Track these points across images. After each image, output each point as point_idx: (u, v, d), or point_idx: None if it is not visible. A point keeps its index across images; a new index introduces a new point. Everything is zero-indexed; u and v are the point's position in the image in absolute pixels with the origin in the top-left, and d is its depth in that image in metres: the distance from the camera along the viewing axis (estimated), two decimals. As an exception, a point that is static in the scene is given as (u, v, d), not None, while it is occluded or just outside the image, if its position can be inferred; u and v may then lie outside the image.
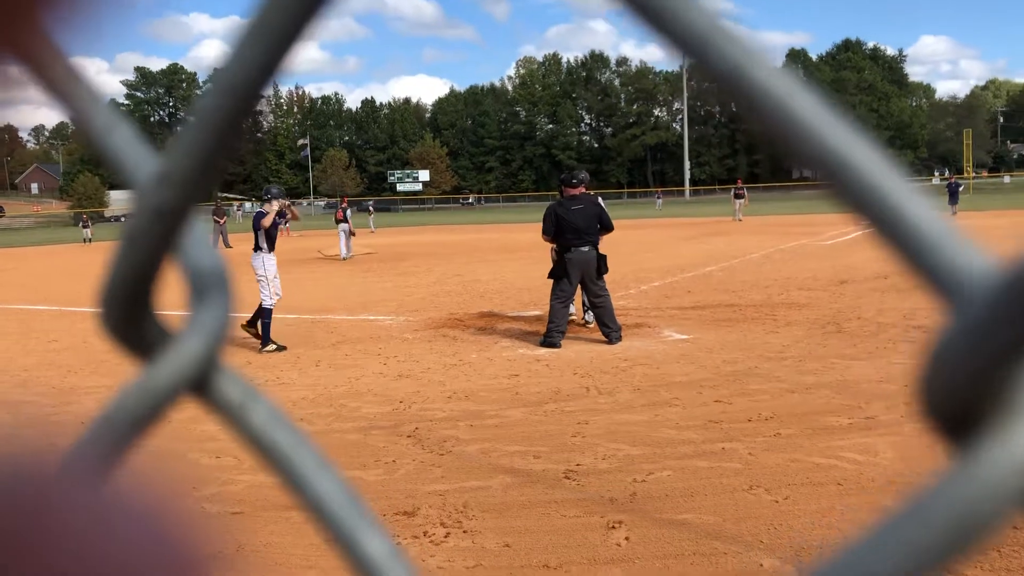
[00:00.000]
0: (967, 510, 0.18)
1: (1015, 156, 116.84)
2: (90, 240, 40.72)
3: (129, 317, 0.28)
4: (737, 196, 38.18)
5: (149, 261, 0.27)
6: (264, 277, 9.34)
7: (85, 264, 24.79)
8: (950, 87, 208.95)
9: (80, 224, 44.28)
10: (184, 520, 0.23)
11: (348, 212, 24.95)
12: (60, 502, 0.22)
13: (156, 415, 0.28)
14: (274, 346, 9.16)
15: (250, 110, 0.23)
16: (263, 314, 9.19)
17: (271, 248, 9.51)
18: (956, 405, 0.19)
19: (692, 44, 0.20)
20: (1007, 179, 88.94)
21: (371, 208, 46.50)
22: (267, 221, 9.55)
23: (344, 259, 23.28)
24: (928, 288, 0.19)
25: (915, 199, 0.19)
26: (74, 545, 0.21)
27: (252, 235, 9.61)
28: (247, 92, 0.22)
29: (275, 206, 9.69)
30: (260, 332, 9.21)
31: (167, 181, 0.25)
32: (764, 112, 0.19)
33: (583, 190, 9.04)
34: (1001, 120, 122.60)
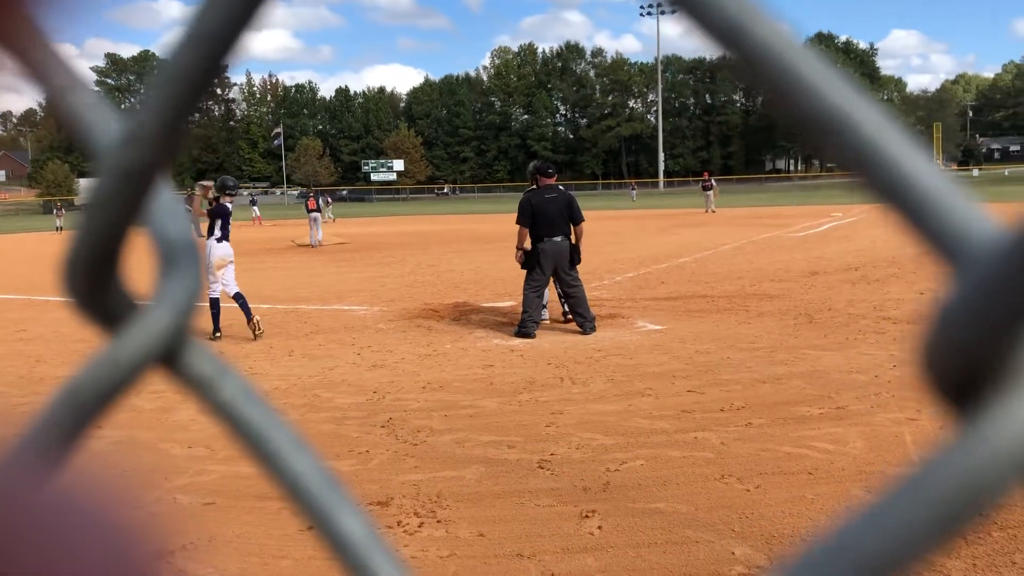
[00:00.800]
0: (972, 478, 0.17)
1: (984, 150, 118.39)
2: (61, 228, 40.19)
3: (95, 285, 0.27)
4: (705, 188, 38.42)
5: (116, 226, 0.25)
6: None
7: (54, 253, 24.44)
8: (920, 81, 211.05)
9: (54, 212, 43.69)
10: (136, 518, 0.22)
11: (320, 201, 25.65)
12: (12, 493, 0.21)
13: (123, 389, 0.27)
14: (220, 334, 9.22)
15: (221, 63, 0.22)
16: (213, 304, 9.23)
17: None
18: (959, 371, 0.18)
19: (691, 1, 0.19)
20: (976, 172, 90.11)
21: (330, 199, 46.26)
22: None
23: (315, 246, 23.79)
24: (931, 250, 0.18)
25: (919, 160, 0.18)
26: (22, 538, 0.20)
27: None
28: (219, 43, 0.21)
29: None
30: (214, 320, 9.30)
31: (134, 140, 0.23)
32: (765, 69, 0.19)
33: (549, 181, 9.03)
34: (970, 114, 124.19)
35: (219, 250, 9.30)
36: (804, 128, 0.19)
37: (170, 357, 0.28)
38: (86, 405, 0.26)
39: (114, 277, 0.27)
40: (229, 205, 9.63)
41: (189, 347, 0.29)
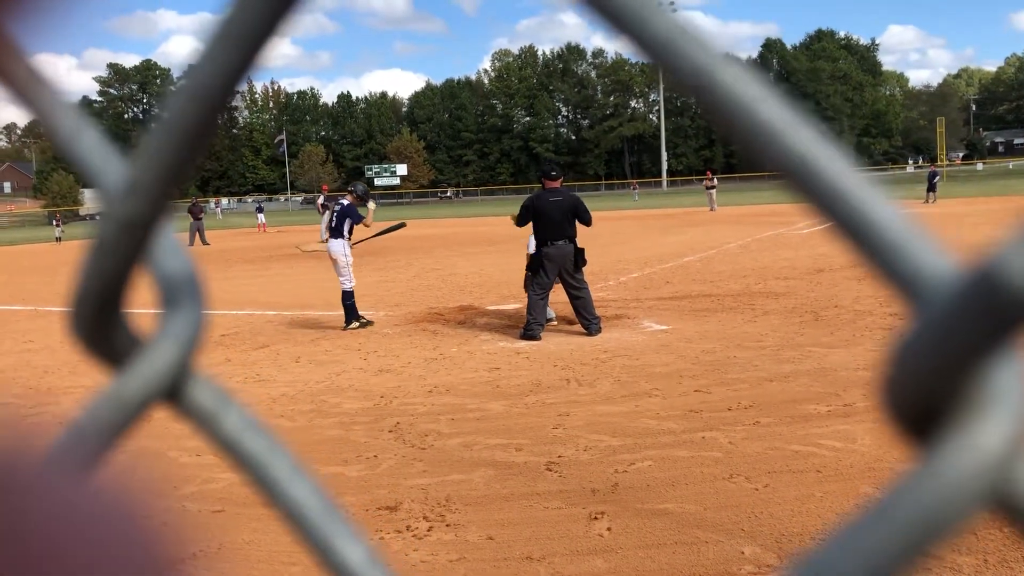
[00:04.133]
0: (931, 509, 0.18)
1: (987, 143, 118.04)
2: (61, 239, 40.34)
3: (100, 326, 0.28)
4: (708, 188, 38.73)
5: (119, 271, 0.26)
6: (348, 264, 9.99)
7: (59, 263, 24.55)
8: (920, 76, 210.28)
9: (53, 223, 43.90)
10: (159, 523, 0.23)
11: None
12: (36, 504, 0.22)
13: (128, 425, 0.28)
14: (357, 323, 9.80)
15: (218, 115, 0.23)
16: (346, 296, 9.82)
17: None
18: (918, 405, 0.19)
19: (655, 47, 0.20)
20: (980, 166, 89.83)
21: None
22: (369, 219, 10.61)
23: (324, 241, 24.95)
24: (891, 290, 0.19)
25: (878, 201, 0.19)
26: (49, 547, 0.21)
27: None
28: (215, 97, 0.22)
29: (372, 205, 10.81)
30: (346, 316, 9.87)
31: (135, 191, 0.24)
32: (728, 115, 0.20)
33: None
34: (973, 108, 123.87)
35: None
36: (768, 167, 0.20)
37: (173, 392, 0.29)
38: (93, 443, 0.27)
39: (118, 316, 0.28)
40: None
41: (192, 381, 0.30)
